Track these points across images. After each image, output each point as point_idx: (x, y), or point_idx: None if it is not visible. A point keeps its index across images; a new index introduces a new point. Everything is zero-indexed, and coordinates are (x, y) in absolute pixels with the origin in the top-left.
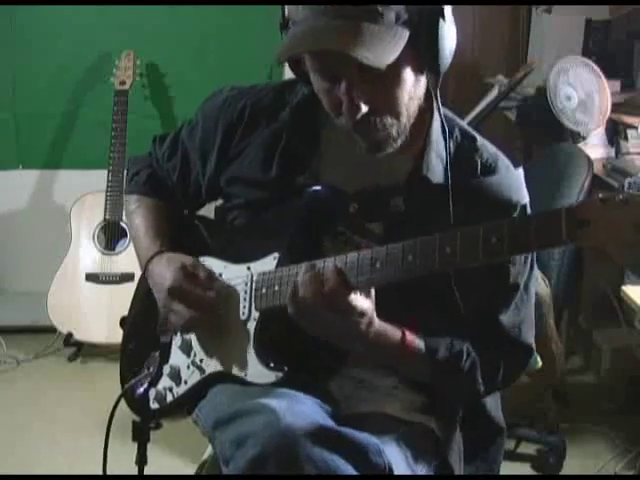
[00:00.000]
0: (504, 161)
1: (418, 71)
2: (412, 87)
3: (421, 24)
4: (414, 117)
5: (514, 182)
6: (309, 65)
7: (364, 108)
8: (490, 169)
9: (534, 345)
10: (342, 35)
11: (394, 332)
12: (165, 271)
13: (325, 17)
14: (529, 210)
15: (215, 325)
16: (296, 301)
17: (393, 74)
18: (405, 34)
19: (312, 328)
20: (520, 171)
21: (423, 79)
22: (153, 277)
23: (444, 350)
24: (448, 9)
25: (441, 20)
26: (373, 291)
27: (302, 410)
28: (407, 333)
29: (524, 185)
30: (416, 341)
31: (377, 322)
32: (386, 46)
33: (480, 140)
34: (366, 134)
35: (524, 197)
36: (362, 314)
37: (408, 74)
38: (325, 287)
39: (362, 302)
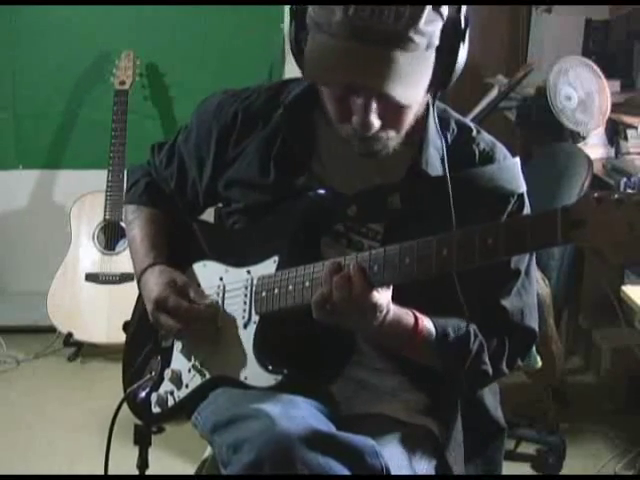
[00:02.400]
0: (502, 150)
1: (427, 89)
2: (418, 105)
3: (443, 48)
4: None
5: (511, 170)
6: None
7: (377, 125)
8: (488, 158)
9: (537, 329)
10: (375, 68)
11: (407, 319)
12: (154, 284)
13: (355, 41)
14: (527, 200)
15: (205, 335)
16: (324, 302)
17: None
18: (432, 61)
19: (331, 322)
20: (517, 160)
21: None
22: (144, 289)
23: (452, 332)
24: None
25: (461, 44)
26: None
27: (298, 414)
28: (419, 318)
29: (521, 174)
30: (427, 325)
31: (392, 312)
32: (419, 81)
33: (476, 130)
34: (368, 144)
35: (522, 185)
36: (381, 310)
37: (421, 96)
38: (352, 288)
39: (382, 298)
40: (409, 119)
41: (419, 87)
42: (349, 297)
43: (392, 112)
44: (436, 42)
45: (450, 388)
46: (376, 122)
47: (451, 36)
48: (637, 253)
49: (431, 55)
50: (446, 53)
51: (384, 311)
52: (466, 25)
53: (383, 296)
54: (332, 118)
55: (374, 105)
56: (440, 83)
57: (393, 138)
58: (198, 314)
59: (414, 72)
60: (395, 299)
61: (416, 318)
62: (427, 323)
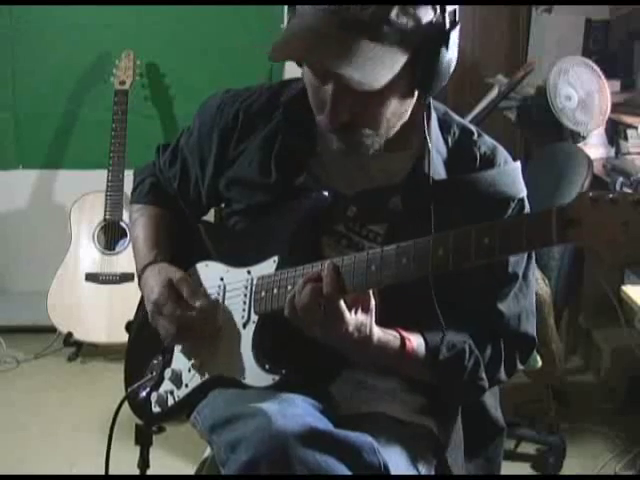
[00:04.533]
0: (503, 153)
1: (409, 90)
2: (398, 105)
3: (422, 49)
4: (399, 124)
5: (512, 175)
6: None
7: (344, 118)
8: (489, 162)
9: (535, 335)
10: (338, 50)
11: (394, 342)
12: (153, 284)
13: (327, 21)
14: (527, 205)
15: (204, 337)
16: (292, 303)
17: (381, 93)
18: (403, 58)
19: (310, 330)
20: (518, 164)
21: (414, 93)
22: (144, 288)
23: (446, 351)
24: (455, 33)
25: (443, 48)
26: (373, 304)
27: (295, 413)
28: (407, 340)
29: (521, 178)
30: (416, 347)
31: (374, 336)
32: (381, 70)
33: (478, 134)
34: (342, 138)
35: (522, 190)
36: (351, 331)
37: (396, 94)
38: (323, 287)
39: (355, 319)
40: (384, 117)
41: (380, 78)
42: (317, 296)
43: (362, 107)
44: (413, 41)
45: (447, 399)
46: (343, 115)
47: (433, 39)
48: (632, 253)
49: (403, 55)
50: (428, 55)
51: (362, 332)
52: (450, 29)
53: (359, 315)
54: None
55: (341, 97)
56: (424, 86)
57: (370, 136)
58: (191, 321)
59: (378, 64)
60: (388, 310)
61: (403, 340)
62: (416, 343)
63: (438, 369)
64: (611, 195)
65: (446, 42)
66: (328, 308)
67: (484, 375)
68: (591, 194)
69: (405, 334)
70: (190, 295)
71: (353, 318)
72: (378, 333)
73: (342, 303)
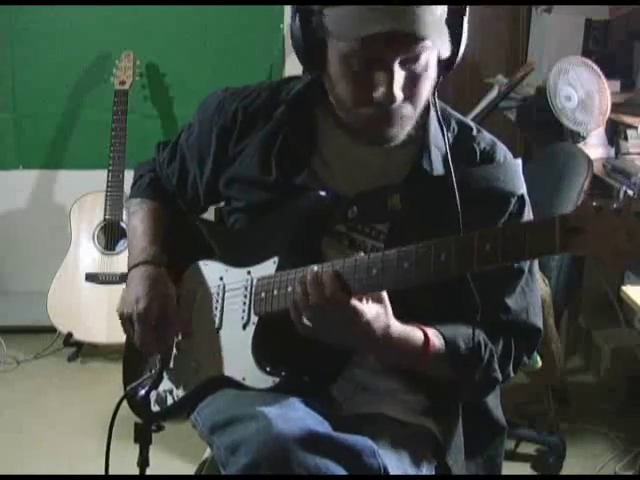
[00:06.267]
0: (502, 149)
1: (437, 69)
2: (433, 84)
3: (451, 25)
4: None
5: (512, 171)
6: (344, 48)
7: (400, 97)
8: (489, 157)
9: (542, 327)
10: (413, 15)
11: (416, 335)
12: (140, 287)
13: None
14: (528, 201)
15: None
16: (296, 306)
17: (426, 69)
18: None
19: (318, 334)
20: (519, 161)
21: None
22: (130, 284)
23: (464, 344)
24: (466, 10)
25: (465, 21)
26: (385, 294)
27: (295, 416)
28: (429, 333)
29: (522, 175)
30: (437, 341)
31: (396, 327)
32: (444, 39)
33: (477, 129)
34: (382, 128)
35: (521, 187)
36: (370, 320)
37: (434, 72)
38: (325, 291)
39: (370, 307)
40: (425, 95)
41: (444, 44)
42: (321, 298)
43: (412, 82)
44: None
45: (457, 396)
46: (399, 93)
47: (457, 14)
48: (636, 261)
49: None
50: (454, 32)
51: (377, 323)
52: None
53: (371, 305)
54: (347, 104)
55: (398, 74)
56: (446, 67)
57: (409, 118)
58: (150, 346)
59: (441, 30)
60: (401, 307)
61: (425, 334)
62: (436, 337)
63: (457, 363)
64: (615, 205)
65: (465, 15)
66: (338, 309)
67: (497, 367)
68: (595, 203)
69: (425, 328)
70: (159, 325)
71: (367, 306)
72: (398, 325)
73: (352, 300)
